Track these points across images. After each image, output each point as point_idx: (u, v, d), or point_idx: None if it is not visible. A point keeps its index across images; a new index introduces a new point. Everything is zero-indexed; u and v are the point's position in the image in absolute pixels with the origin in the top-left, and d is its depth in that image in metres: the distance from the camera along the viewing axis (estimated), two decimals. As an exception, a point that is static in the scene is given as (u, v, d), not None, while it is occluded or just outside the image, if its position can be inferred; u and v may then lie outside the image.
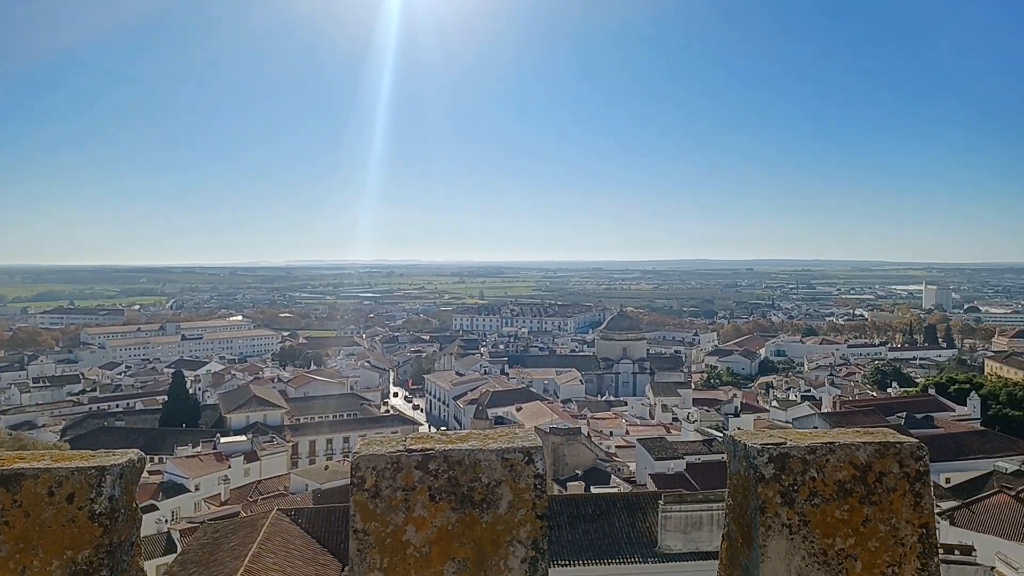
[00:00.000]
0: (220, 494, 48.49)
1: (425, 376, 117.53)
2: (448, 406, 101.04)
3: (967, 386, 75.22)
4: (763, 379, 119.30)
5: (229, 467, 56.29)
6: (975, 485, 42.18)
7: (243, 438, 63.91)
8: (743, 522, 2.53)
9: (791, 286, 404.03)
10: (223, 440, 62.77)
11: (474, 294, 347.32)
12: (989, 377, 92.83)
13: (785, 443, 2.53)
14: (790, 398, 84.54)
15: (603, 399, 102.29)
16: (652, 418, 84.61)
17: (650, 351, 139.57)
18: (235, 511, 40.01)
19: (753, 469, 2.48)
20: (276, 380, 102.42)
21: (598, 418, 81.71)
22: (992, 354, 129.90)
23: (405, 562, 2.13)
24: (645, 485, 45.18)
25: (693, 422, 69.63)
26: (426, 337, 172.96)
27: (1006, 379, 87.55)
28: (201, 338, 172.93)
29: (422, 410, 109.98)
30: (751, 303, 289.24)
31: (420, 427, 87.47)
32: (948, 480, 44.63)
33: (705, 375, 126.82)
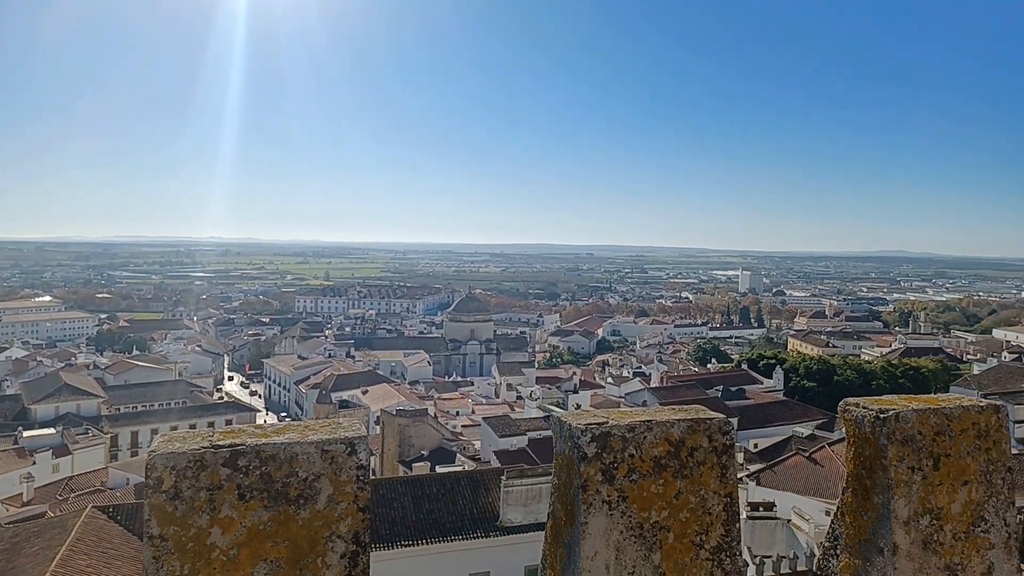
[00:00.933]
0: (22, 494, 43.27)
1: (264, 361, 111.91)
2: (289, 391, 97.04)
3: (773, 361, 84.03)
4: (600, 357, 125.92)
5: (34, 463, 50.39)
6: (777, 449, 47.29)
7: (51, 431, 57.40)
8: (567, 500, 2.60)
9: (627, 271, 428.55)
10: (26, 434, 56.03)
11: (319, 275, 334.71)
12: (791, 353, 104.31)
13: (607, 422, 2.62)
14: (623, 375, 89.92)
15: (451, 380, 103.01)
16: (498, 397, 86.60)
17: (497, 332, 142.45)
18: (41, 511, 35.90)
19: (576, 449, 2.55)
20: (92, 367, 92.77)
21: (445, 399, 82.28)
22: (794, 332, 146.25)
23: (210, 567, 1.95)
24: (489, 462, 46.22)
25: (536, 400, 72.11)
26: (265, 320, 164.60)
27: (804, 354, 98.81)
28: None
29: (260, 396, 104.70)
30: (591, 286, 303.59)
31: (257, 413, 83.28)
32: (756, 445, 49.65)
33: (548, 355, 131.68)
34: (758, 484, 32.96)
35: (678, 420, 2.68)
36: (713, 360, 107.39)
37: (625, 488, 2.55)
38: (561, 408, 66.18)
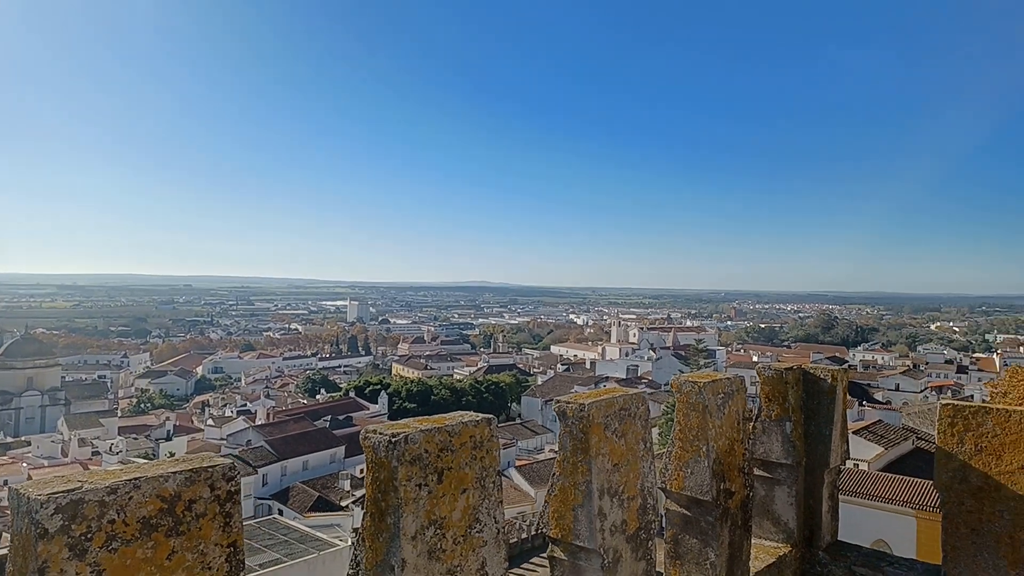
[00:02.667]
0: None
1: None
2: None
3: (378, 387, 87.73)
4: (200, 398, 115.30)
5: None
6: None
7: None
8: (21, 591, 2.15)
9: (231, 302, 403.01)
10: None
11: None
12: (395, 377, 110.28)
13: (81, 487, 2.26)
14: (226, 414, 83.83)
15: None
16: (66, 456, 72.21)
17: (66, 379, 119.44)
18: None
19: (35, 525, 2.13)
20: None
21: (-14, 467, 65.43)
22: (398, 358, 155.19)
23: None
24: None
25: (117, 453, 62.45)
26: None
27: (406, 378, 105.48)
28: None
29: None
30: (189, 320, 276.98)
31: None
32: (361, 471, 50.89)
33: (135, 400, 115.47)
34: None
35: (174, 473, 2.45)
36: (322, 391, 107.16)
37: (102, 560, 2.22)
38: (150, 459, 58.34)
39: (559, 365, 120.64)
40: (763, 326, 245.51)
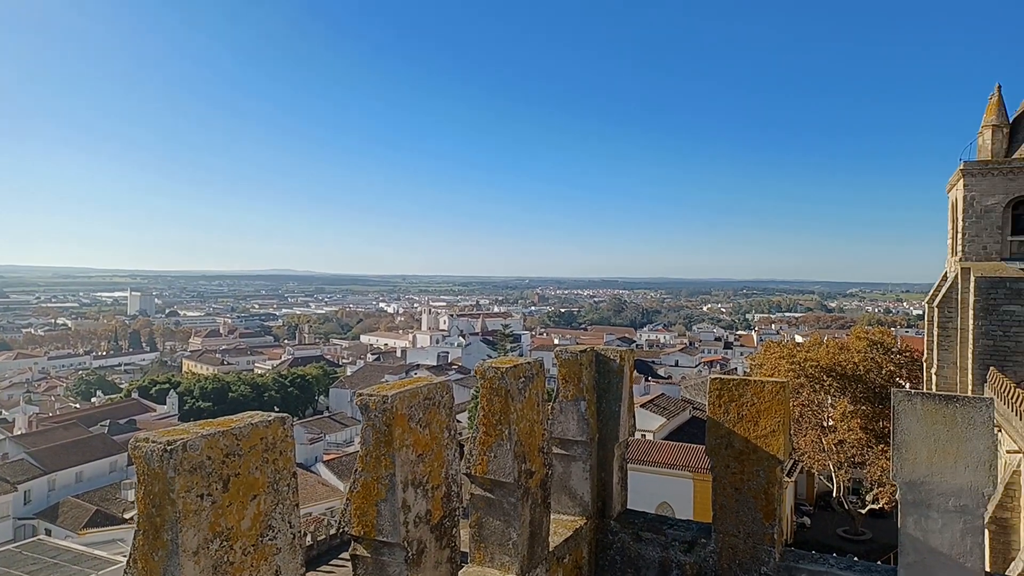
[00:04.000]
0: None
1: None
2: None
3: (167, 386, 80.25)
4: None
5: None
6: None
7: None
8: None
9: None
10: None
11: None
12: (186, 375, 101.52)
13: None
14: (-27, 426, 71.70)
15: None
16: None
17: None
18: None
19: None
20: None
21: None
22: (189, 353, 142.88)
23: None
24: None
25: None
26: None
27: (199, 375, 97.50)
28: None
29: None
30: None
31: None
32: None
33: None
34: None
35: None
36: (99, 393, 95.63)
37: None
38: None
39: (369, 355, 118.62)
40: (563, 310, 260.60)
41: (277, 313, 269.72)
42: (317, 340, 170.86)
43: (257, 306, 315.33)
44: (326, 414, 77.98)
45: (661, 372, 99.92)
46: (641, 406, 56.60)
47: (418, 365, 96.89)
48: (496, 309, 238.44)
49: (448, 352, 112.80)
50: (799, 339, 73.80)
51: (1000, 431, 25.25)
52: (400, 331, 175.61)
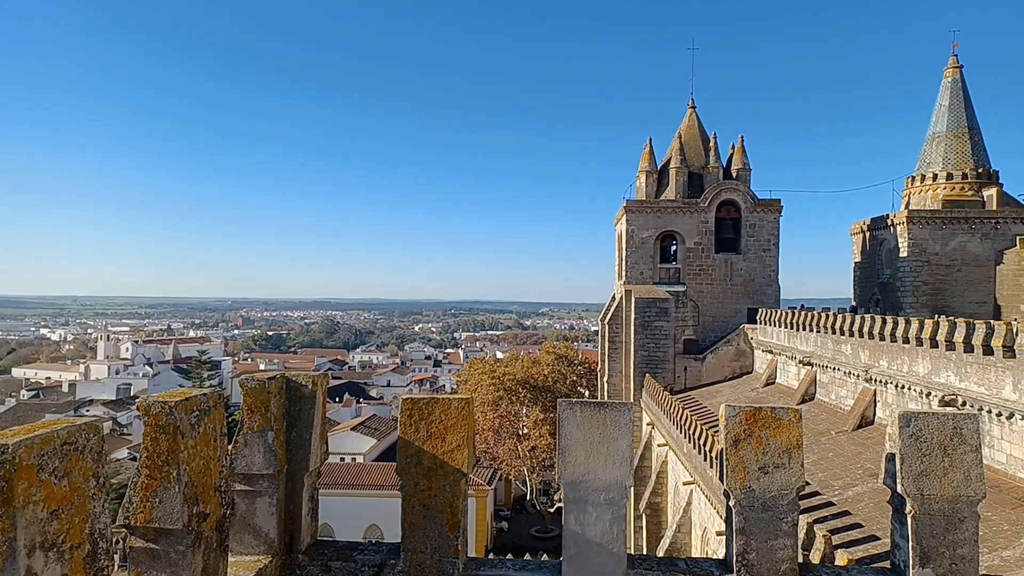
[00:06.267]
0: None
1: None
2: None
3: None
4: None
5: None
6: None
7: None
8: None
9: None
10: None
11: None
12: None
13: None
14: None
15: None
16: None
17: None
18: None
19: None
20: None
21: None
22: None
23: None
24: None
25: None
26: None
27: None
28: None
29: None
30: None
31: None
32: None
33: None
34: None
35: None
36: None
37: None
38: None
39: (24, 391, 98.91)
40: (271, 333, 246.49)
41: None
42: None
43: None
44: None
45: (373, 393, 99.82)
46: (352, 428, 55.78)
47: (91, 400, 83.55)
48: (192, 333, 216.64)
49: (131, 384, 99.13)
50: (500, 355, 79.60)
51: (652, 428, 29.94)
52: (68, 361, 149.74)
